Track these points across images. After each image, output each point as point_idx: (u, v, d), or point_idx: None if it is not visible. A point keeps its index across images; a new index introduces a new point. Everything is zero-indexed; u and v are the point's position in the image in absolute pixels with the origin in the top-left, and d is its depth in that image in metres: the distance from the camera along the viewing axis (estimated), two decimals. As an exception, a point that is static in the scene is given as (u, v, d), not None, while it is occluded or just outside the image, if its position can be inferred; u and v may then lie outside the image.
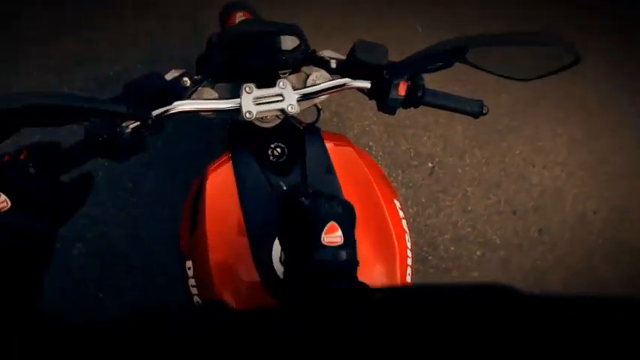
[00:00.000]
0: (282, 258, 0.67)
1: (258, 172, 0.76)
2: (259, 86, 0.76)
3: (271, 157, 0.80)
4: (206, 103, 0.74)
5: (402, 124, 1.95)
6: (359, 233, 0.71)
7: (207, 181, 0.76)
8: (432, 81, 0.73)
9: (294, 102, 0.75)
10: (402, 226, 0.75)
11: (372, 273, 0.71)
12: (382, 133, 1.96)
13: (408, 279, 0.72)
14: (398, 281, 0.70)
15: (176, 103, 0.71)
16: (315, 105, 0.82)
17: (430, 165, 1.96)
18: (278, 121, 0.82)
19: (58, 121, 0.61)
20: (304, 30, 0.75)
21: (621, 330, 0.23)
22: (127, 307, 1.54)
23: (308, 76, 0.81)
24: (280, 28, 0.75)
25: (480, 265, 1.84)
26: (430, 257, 1.81)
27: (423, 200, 1.90)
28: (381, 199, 0.75)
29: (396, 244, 0.72)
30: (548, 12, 2.26)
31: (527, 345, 0.23)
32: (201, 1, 1.99)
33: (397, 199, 0.80)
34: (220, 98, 0.77)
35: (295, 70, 0.79)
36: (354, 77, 0.75)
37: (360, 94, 0.78)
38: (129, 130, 0.67)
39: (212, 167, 0.78)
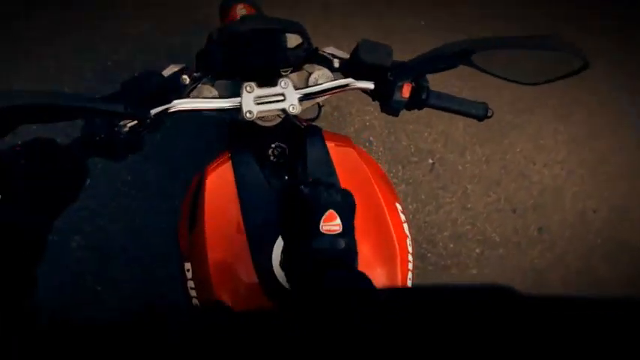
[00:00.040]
0: (282, 262, 0.66)
1: (257, 172, 0.75)
2: (260, 85, 0.74)
3: (271, 157, 0.78)
4: (206, 102, 0.72)
5: (403, 119, 1.93)
6: (359, 236, 0.70)
7: (207, 181, 0.75)
8: (433, 78, 0.72)
9: (296, 102, 0.74)
10: (403, 230, 0.74)
11: (372, 277, 0.70)
12: (383, 128, 1.95)
13: (409, 283, 0.72)
14: (399, 285, 0.70)
15: (175, 101, 0.70)
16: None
17: (430, 161, 1.95)
18: (279, 120, 0.80)
19: (57, 119, 0.59)
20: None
21: (620, 330, 0.23)
22: (126, 301, 1.54)
23: (310, 74, 0.79)
24: (283, 25, 0.73)
25: (478, 262, 1.84)
26: (429, 254, 1.81)
27: (423, 197, 1.89)
28: (383, 202, 0.74)
29: (397, 248, 0.71)
30: (548, 12, 2.25)
31: (525, 345, 0.22)
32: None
33: (399, 203, 0.79)
34: (220, 96, 0.76)
35: (297, 68, 0.78)
36: (358, 77, 0.73)
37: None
38: (127, 128, 0.66)
39: (211, 167, 0.77)
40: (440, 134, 1.97)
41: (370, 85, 0.73)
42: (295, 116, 0.78)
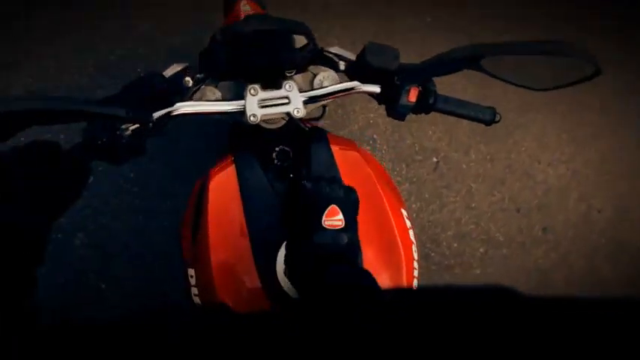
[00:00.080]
0: (287, 272, 0.65)
1: (261, 176, 0.74)
2: (264, 87, 0.73)
3: (275, 161, 0.77)
4: (209, 105, 0.71)
5: (407, 117, 1.92)
6: (363, 243, 0.69)
7: (210, 185, 0.74)
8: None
9: (301, 105, 0.72)
10: (409, 237, 0.73)
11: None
12: (387, 126, 1.93)
13: (414, 290, 0.71)
14: (403, 292, 0.69)
15: (178, 104, 0.68)
16: None
17: (435, 160, 1.93)
18: (283, 122, 0.79)
19: (57, 122, 0.59)
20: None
21: (621, 330, 0.23)
22: (129, 298, 1.54)
23: (315, 76, 0.78)
24: (287, 26, 0.72)
25: (482, 262, 1.83)
26: (433, 254, 1.81)
27: (427, 196, 1.88)
28: (388, 208, 0.72)
29: (402, 255, 0.70)
30: (548, 12, 2.24)
31: (526, 345, 0.22)
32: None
33: (404, 209, 0.78)
34: (224, 99, 0.75)
35: (302, 69, 0.77)
36: (364, 81, 0.72)
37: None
38: (129, 132, 0.65)
39: (215, 170, 0.76)
40: (444, 133, 1.96)
41: (376, 89, 0.72)
42: (300, 118, 0.76)
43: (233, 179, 0.74)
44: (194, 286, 0.73)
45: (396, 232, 0.71)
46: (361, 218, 0.58)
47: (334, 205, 0.54)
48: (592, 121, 2.12)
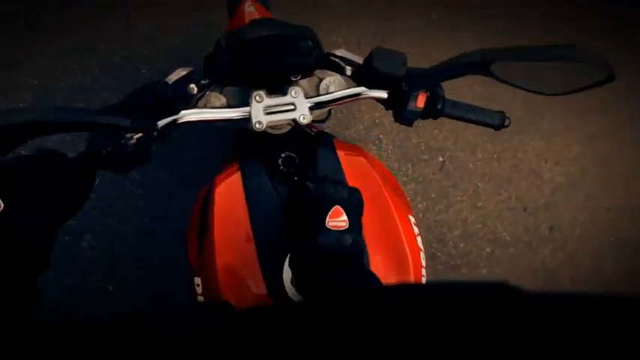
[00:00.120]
0: (294, 281, 0.65)
1: (267, 182, 0.73)
2: (270, 93, 0.72)
3: (281, 167, 0.77)
4: (214, 112, 0.70)
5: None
6: (371, 249, 0.68)
7: (216, 192, 0.74)
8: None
9: (307, 111, 0.71)
10: (416, 243, 0.72)
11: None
12: (392, 125, 1.92)
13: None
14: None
15: (183, 112, 0.68)
16: None
17: (441, 159, 1.92)
18: (288, 127, 0.78)
19: (61, 132, 0.58)
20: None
21: (624, 329, 0.22)
22: (136, 300, 1.55)
23: (321, 80, 0.77)
24: (293, 31, 0.71)
25: (489, 262, 1.82)
26: (439, 254, 1.80)
27: (433, 195, 1.87)
28: (395, 214, 0.72)
29: (410, 261, 0.69)
30: (548, 12, 2.23)
31: (529, 345, 0.22)
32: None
33: (412, 215, 0.77)
34: (229, 105, 0.74)
35: (308, 74, 0.76)
36: (370, 86, 0.71)
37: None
38: (133, 141, 0.64)
39: (220, 177, 0.75)
40: (450, 132, 1.94)
41: (384, 95, 0.71)
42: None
43: (239, 186, 0.74)
44: (200, 295, 0.72)
45: (403, 238, 0.70)
46: (368, 224, 0.58)
47: (338, 206, 0.54)
48: (600, 121, 2.10)
